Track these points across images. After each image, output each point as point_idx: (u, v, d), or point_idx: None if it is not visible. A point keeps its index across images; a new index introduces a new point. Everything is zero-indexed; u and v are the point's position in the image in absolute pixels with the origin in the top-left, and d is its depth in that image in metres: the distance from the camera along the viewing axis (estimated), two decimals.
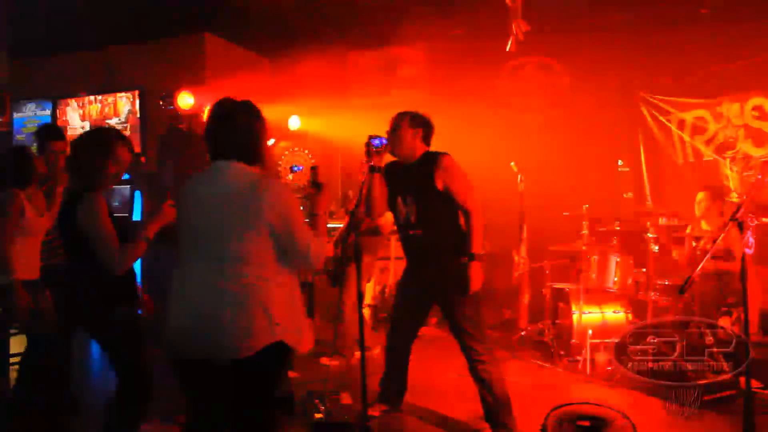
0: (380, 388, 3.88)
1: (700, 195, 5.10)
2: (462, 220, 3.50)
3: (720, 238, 3.21)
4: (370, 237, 5.09)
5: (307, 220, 2.48)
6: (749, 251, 2.97)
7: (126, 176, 3.89)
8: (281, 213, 2.20)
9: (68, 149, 3.69)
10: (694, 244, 4.99)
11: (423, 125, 3.59)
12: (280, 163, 7.96)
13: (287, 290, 2.27)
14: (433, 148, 3.64)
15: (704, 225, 5.11)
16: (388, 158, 3.64)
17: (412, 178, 3.54)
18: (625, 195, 7.04)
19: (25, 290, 3.40)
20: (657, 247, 5.08)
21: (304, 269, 2.31)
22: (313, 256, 2.29)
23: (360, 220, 3.92)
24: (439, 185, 3.43)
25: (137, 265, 3.18)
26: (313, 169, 2.68)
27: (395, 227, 3.85)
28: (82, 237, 2.78)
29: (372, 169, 3.44)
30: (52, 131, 4.20)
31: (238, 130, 2.31)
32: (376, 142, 3.37)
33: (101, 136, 3.05)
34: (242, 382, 2.19)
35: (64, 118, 8.00)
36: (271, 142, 7.72)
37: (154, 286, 3.29)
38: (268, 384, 2.28)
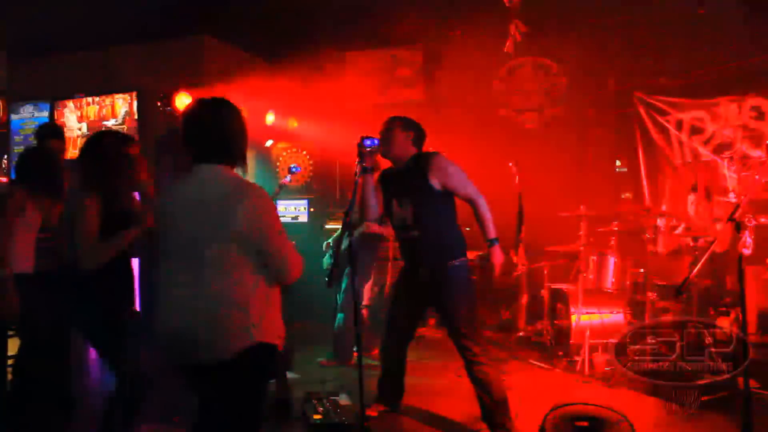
0: (378, 389, 3.88)
1: (692, 197, 5.19)
2: (463, 219, 3.52)
3: (717, 239, 3.23)
4: (367, 238, 5.09)
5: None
6: (747, 252, 2.97)
7: None
8: (255, 225, 2.17)
9: (67, 149, 3.71)
10: (692, 244, 5.00)
11: (414, 128, 3.64)
12: (278, 163, 7.95)
13: (264, 292, 2.24)
14: (432, 148, 3.65)
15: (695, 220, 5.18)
16: (386, 164, 3.65)
17: (407, 180, 3.55)
18: (623, 195, 7.04)
19: (19, 285, 3.39)
20: (655, 248, 5.09)
21: (280, 281, 2.29)
22: (290, 269, 2.26)
23: (354, 222, 3.92)
24: (436, 185, 3.44)
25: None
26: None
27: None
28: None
29: (364, 170, 3.43)
30: (51, 130, 4.19)
31: (213, 132, 2.27)
32: (368, 142, 3.37)
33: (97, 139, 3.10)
34: (226, 385, 2.19)
35: (61, 120, 7.98)
36: (269, 143, 7.76)
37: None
38: (254, 388, 2.26)
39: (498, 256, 3.53)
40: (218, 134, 2.27)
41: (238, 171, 2.34)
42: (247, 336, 2.16)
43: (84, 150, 3.11)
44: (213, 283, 2.15)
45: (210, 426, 2.32)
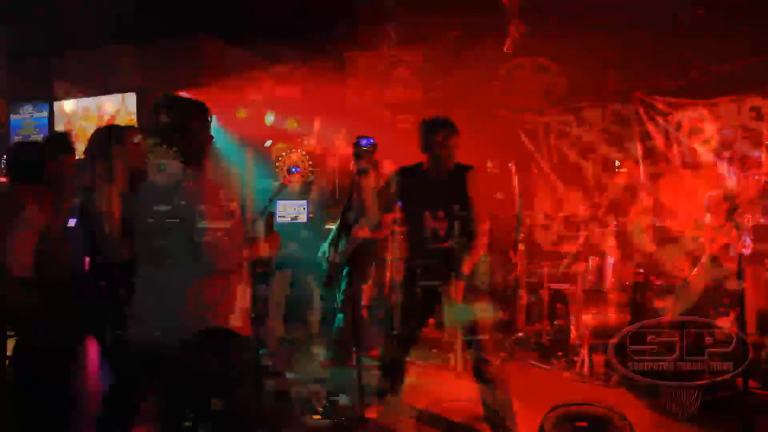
0: (378, 390, 3.87)
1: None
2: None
3: (717, 240, 3.22)
4: (366, 239, 5.08)
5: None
6: (746, 252, 2.97)
7: None
8: (189, 206, 2.28)
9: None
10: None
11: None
12: (278, 164, 7.94)
13: (224, 281, 2.38)
14: None
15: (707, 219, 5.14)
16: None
17: (447, 192, 3.49)
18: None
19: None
20: (655, 248, 5.09)
21: (202, 261, 2.31)
22: (207, 249, 2.27)
23: (352, 223, 3.90)
24: (468, 199, 3.43)
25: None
26: None
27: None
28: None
29: (360, 171, 3.39)
30: (60, 144, 4.04)
31: (168, 128, 2.41)
32: (365, 142, 3.34)
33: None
34: (187, 365, 2.32)
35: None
36: (269, 143, 7.76)
37: None
38: (216, 369, 2.33)
39: (459, 292, 3.38)
40: (172, 131, 2.41)
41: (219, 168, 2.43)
42: (202, 318, 2.30)
43: (100, 145, 3.09)
44: (171, 270, 2.33)
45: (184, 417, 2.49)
